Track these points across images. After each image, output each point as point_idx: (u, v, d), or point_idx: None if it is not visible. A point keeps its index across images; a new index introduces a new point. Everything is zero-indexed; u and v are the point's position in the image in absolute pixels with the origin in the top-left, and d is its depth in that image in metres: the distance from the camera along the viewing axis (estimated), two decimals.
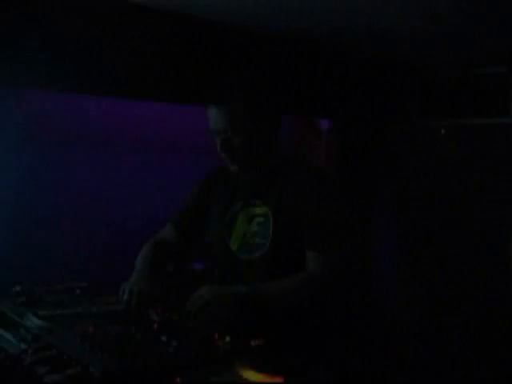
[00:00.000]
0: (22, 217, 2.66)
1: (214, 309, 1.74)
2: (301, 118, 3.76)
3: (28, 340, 1.66)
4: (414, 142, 3.98)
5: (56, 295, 2.09)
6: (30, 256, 2.60)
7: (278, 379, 1.47)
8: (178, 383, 1.42)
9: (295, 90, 3.17)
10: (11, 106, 2.64)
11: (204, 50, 2.79)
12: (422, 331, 3.83)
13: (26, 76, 2.42)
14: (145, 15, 2.61)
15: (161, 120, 3.14)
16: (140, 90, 2.68)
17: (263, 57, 3.00)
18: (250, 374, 1.49)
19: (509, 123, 3.58)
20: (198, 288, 1.88)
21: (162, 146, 3.16)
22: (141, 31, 2.61)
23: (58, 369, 1.46)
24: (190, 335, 1.69)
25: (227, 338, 1.63)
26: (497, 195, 3.64)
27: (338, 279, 1.88)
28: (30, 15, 2.42)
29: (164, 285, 2.82)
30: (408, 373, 3.43)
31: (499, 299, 3.61)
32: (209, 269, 2.90)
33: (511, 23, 2.78)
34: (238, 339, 1.64)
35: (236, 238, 2.00)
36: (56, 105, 2.77)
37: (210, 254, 2.17)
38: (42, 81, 2.47)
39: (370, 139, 3.80)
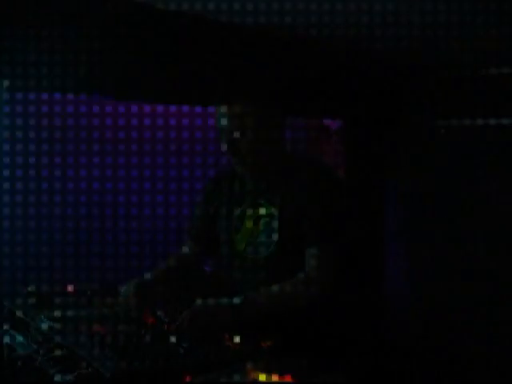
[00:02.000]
0: (34, 217, 2.67)
1: (202, 323, 1.74)
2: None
3: (39, 340, 1.67)
4: (422, 142, 3.96)
5: (67, 296, 2.09)
6: (41, 257, 2.61)
7: (289, 380, 1.47)
8: None
9: (303, 91, 3.17)
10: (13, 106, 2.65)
11: (212, 49, 2.80)
12: (432, 331, 3.82)
13: (27, 79, 2.44)
14: (149, 15, 2.62)
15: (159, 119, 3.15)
16: (148, 93, 2.70)
17: (272, 56, 2.99)
18: (260, 375, 1.49)
19: None
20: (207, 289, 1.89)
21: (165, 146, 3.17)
22: (147, 31, 2.62)
23: (68, 369, 1.47)
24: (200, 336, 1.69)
25: (237, 339, 1.63)
26: (502, 195, 3.63)
27: (338, 279, 1.88)
28: (30, 18, 2.44)
29: (174, 286, 2.83)
30: (417, 373, 3.43)
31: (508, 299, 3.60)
32: (216, 271, 2.91)
33: None
34: (248, 340, 1.64)
35: (243, 238, 2.01)
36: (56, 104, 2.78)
37: (217, 254, 2.17)
38: (43, 84, 2.49)
39: (379, 139, 3.78)
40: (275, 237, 1.93)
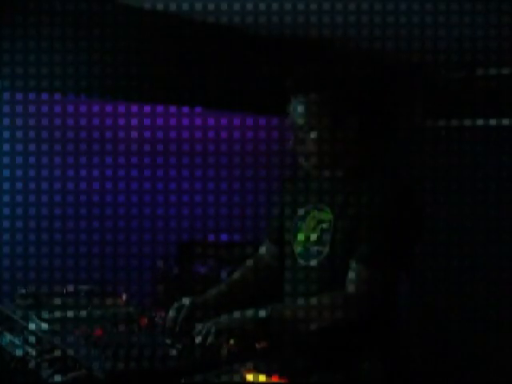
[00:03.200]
0: (26, 219, 2.66)
1: (226, 336, 1.63)
2: None
3: (32, 342, 1.66)
4: (419, 143, 3.97)
5: (60, 298, 2.09)
6: (34, 259, 2.60)
7: (282, 381, 1.47)
8: None
9: None
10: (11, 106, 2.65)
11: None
12: (426, 332, 3.83)
13: (28, 80, 2.44)
14: (166, 20, 2.65)
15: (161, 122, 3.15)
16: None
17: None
18: (254, 377, 1.49)
19: None
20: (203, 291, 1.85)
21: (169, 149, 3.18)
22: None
23: (62, 371, 1.46)
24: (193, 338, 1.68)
25: (231, 341, 1.63)
26: (501, 195, 3.64)
27: (377, 300, 1.74)
28: (29, 19, 2.44)
29: (169, 287, 2.82)
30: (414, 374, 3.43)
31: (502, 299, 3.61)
32: (212, 272, 2.91)
33: None
34: (242, 342, 1.63)
35: (299, 242, 1.89)
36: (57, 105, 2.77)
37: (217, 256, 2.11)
38: (45, 85, 2.49)
39: (376, 139, 3.78)
40: (327, 245, 1.81)
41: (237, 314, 1.70)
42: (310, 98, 1.80)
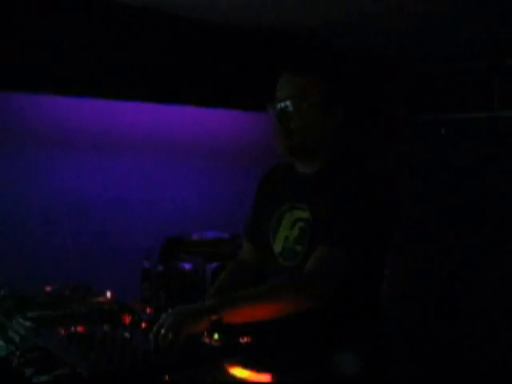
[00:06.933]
0: (9, 218, 2.65)
1: (181, 329, 1.54)
2: None
3: (16, 341, 1.66)
4: (403, 136, 4.00)
5: (44, 296, 2.08)
6: (17, 257, 2.59)
7: (266, 376, 1.48)
8: (167, 382, 1.42)
9: None
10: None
11: None
12: (415, 331, 3.85)
13: (24, 80, 2.43)
14: (155, 18, 2.66)
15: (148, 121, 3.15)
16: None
17: None
18: (238, 372, 1.49)
19: (494, 117, 3.61)
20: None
21: (154, 148, 3.17)
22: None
23: (45, 370, 1.46)
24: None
25: (216, 336, 1.63)
26: (483, 188, 3.67)
27: (339, 279, 1.68)
28: (28, 18, 2.44)
29: (154, 283, 2.82)
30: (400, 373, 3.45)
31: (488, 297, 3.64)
32: (196, 269, 2.91)
33: (495, 21, 2.81)
34: (226, 337, 1.64)
35: (279, 242, 1.87)
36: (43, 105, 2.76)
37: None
38: (39, 84, 2.49)
39: (361, 134, 3.80)
40: (306, 244, 1.78)
41: (187, 307, 1.61)
42: (301, 77, 1.78)
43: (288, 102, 1.78)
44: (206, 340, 1.62)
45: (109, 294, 2.18)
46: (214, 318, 1.55)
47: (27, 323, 1.76)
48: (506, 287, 3.56)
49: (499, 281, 3.60)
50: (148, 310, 1.98)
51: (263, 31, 3.12)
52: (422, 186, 3.95)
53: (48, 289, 2.18)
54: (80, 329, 1.69)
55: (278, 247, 1.88)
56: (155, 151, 3.16)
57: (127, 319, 1.85)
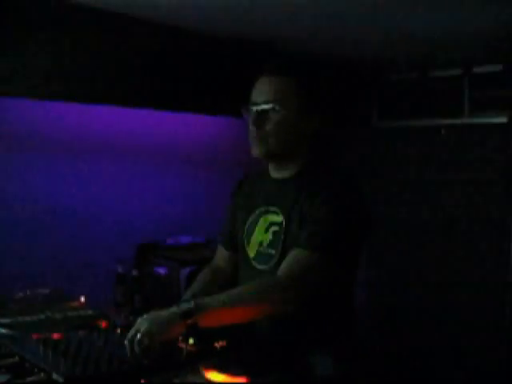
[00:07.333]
0: None
1: (154, 335, 1.52)
2: None
3: None
4: (374, 144, 4.05)
5: (18, 302, 2.07)
6: None
7: (242, 379, 1.49)
8: None
9: None
10: None
11: None
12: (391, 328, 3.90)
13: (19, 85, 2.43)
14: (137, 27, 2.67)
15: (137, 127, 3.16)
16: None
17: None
18: (213, 375, 1.51)
19: (464, 124, 3.68)
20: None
21: (139, 154, 3.18)
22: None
23: (20, 376, 1.46)
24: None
25: (191, 341, 1.64)
26: (459, 192, 3.73)
27: (312, 282, 1.70)
28: (28, 23, 2.43)
29: (129, 288, 2.81)
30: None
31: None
32: (171, 274, 2.91)
33: (466, 27, 2.87)
34: (201, 341, 1.65)
35: (253, 246, 1.88)
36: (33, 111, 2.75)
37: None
38: (37, 90, 2.48)
39: (331, 142, 3.84)
40: (279, 248, 1.79)
41: (162, 312, 1.59)
42: (277, 82, 1.79)
43: (264, 106, 1.79)
44: (181, 345, 1.63)
45: (83, 299, 2.18)
46: (189, 322, 1.55)
47: (1, 329, 1.75)
48: (480, 291, 3.62)
49: (472, 285, 3.65)
50: (122, 315, 1.98)
51: (238, 39, 3.14)
52: (394, 193, 4.00)
53: (20, 294, 2.16)
54: (55, 335, 1.68)
55: (252, 251, 1.89)
56: (130, 156, 3.15)
57: (103, 324, 1.85)
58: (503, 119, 3.53)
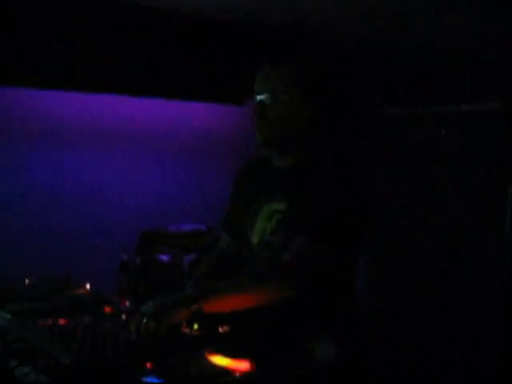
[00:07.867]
0: None
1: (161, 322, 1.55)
2: None
3: None
4: (381, 129, 4.03)
5: (23, 289, 2.10)
6: None
7: (245, 363, 1.52)
8: (149, 370, 1.46)
9: None
10: None
11: None
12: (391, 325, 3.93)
13: (23, 75, 2.44)
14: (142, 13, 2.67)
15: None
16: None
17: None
18: (218, 359, 1.53)
19: (468, 110, 3.67)
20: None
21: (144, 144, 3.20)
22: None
23: (28, 361, 1.49)
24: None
25: (195, 326, 1.67)
26: (461, 182, 3.73)
27: (314, 268, 1.72)
28: (27, 15, 2.43)
29: (132, 276, 2.84)
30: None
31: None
32: (174, 261, 2.94)
33: (470, 17, 2.87)
34: (205, 326, 1.68)
35: (257, 233, 1.89)
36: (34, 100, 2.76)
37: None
38: (41, 79, 2.49)
39: (337, 127, 3.85)
40: (281, 236, 1.81)
41: (168, 298, 1.63)
42: (278, 71, 1.81)
43: (265, 95, 1.81)
44: (185, 330, 1.66)
45: (88, 286, 2.21)
46: (194, 308, 1.58)
47: (9, 316, 1.77)
48: (483, 282, 3.61)
49: (475, 275, 3.66)
50: (127, 302, 2.01)
51: (242, 24, 3.13)
52: (399, 179, 3.99)
53: (27, 281, 2.19)
54: (62, 320, 1.71)
55: (255, 238, 1.91)
56: (133, 144, 3.17)
57: (107, 310, 1.88)
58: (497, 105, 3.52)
